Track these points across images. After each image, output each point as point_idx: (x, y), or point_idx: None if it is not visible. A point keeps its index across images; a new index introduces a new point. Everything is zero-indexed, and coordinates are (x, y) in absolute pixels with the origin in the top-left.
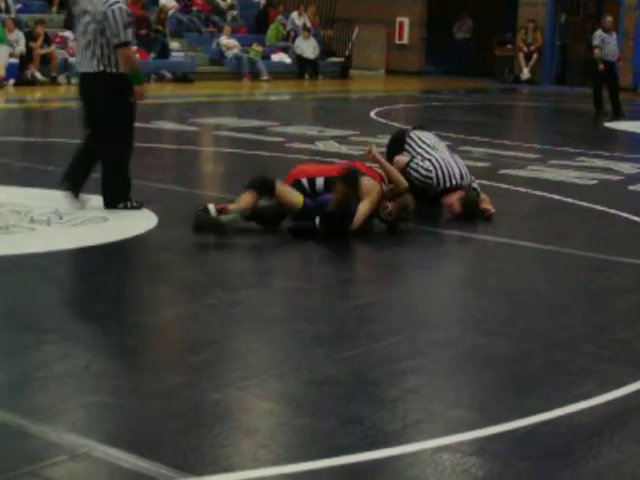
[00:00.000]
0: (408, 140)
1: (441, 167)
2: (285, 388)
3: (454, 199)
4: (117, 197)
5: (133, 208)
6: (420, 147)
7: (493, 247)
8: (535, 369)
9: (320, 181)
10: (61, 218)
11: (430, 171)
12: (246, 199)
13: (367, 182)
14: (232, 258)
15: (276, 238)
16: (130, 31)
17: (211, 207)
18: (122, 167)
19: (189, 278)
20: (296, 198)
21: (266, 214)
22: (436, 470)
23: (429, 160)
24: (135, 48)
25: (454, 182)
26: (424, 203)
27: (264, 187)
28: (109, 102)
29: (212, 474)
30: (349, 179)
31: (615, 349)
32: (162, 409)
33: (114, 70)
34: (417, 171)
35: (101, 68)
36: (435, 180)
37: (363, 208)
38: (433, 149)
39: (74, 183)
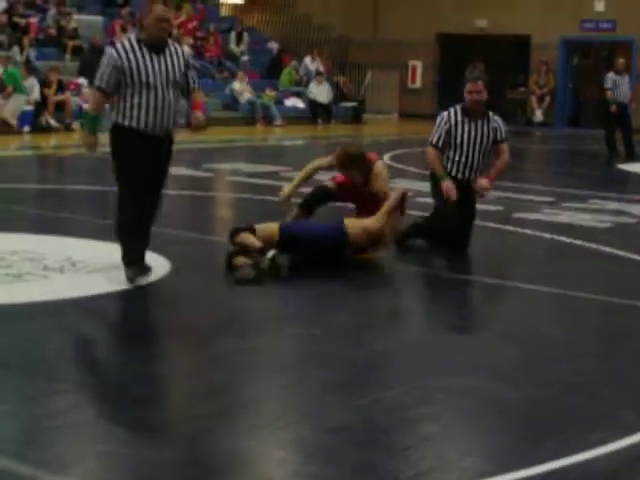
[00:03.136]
0: None
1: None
2: (298, 436)
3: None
4: (124, 262)
5: (132, 279)
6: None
7: (506, 291)
8: (550, 415)
9: None
10: (74, 265)
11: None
12: (249, 239)
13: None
14: (245, 304)
15: (288, 283)
16: (103, 77)
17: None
18: (120, 233)
19: (202, 325)
20: (272, 229)
21: (310, 200)
22: None
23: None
24: (97, 94)
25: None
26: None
27: (243, 228)
28: (114, 158)
29: None
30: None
31: (630, 394)
32: (175, 458)
33: (122, 122)
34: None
35: (112, 119)
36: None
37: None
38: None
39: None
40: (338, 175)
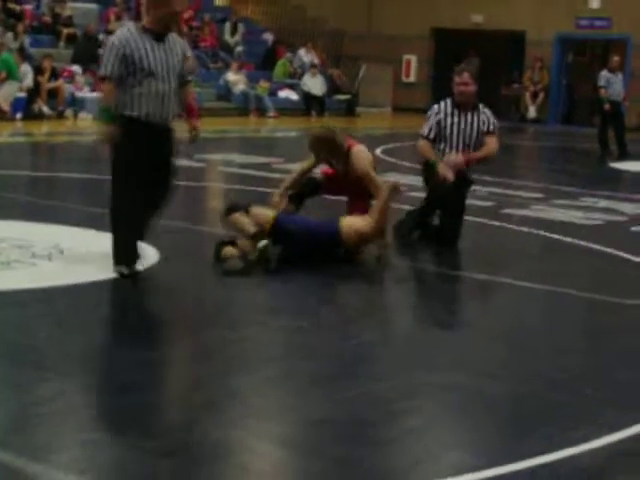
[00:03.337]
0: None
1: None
2: (283, 428)
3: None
4: (113, 259)
5: (122, 275)
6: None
7: (493, 287)
8: (534, 411)
9: None
10: (62, 253)
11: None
12: (243, 222)
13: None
14: (234, 296)
15: (277, 276)
16: (110, 66)
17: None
18: (116, 226)
19: (190, 316)
20: (267, 217)
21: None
22: None
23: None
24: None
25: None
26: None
27: (239, 206)
28: (115, 147)
29: None
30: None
31: (615, 391)
32: (160, 447)
33: (122, 111)
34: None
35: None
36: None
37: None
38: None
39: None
40: (327, 167)
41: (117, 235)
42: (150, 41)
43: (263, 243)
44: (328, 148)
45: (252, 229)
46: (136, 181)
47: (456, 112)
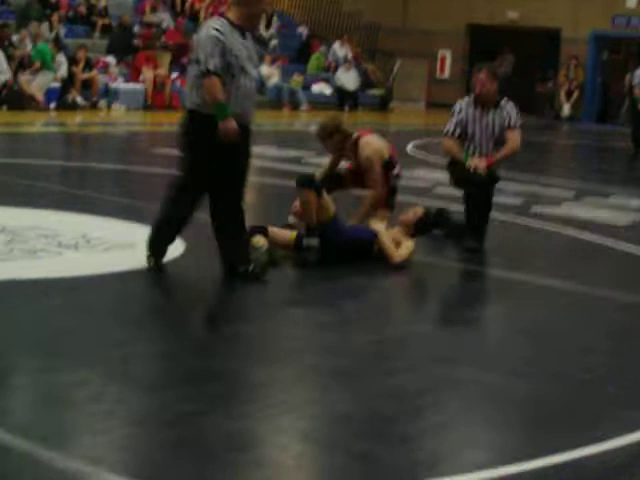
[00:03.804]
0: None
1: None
2: (301, 422)
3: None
4: (146, 247)
5: (149, 266)
6: None
7: (519, 286)
8: (554, 410)
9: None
10: (89, 243)
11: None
12: (312, 208)
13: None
14: (255, 289)
15: (301, 269)
16: (215, 59)
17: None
18: (162, 217)
19: (210, 307)
20: (328, 216)
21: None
22: None
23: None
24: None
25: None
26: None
27: (314, 185)
28: (188, 150)
29: None
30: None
31: (638, 393)
32: (175, 438)
33: (208, 110)
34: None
35: (189, 104)
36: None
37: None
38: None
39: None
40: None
41: (158, 226)
42: (239, 37)
43: (311, 241)
44: (333, 136)
45: (314, 220)
46: (203, 184)
47: (478, 110)
